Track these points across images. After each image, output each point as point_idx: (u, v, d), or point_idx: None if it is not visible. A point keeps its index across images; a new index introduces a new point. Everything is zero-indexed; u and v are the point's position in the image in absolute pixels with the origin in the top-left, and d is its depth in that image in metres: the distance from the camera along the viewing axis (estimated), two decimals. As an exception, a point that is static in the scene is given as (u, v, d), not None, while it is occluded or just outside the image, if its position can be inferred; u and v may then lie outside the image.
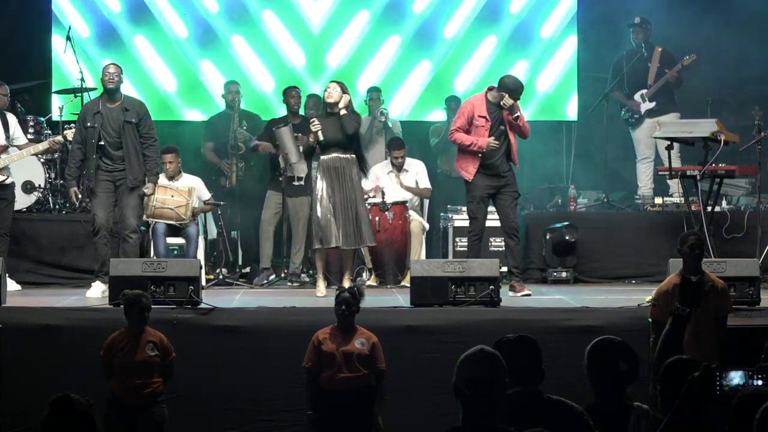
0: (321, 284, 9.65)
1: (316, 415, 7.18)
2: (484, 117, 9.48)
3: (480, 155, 9.47)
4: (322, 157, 9.68)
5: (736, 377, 4.24)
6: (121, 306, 7.29)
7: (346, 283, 9.34)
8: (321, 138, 9.58)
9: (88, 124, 9.55)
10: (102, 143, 9.49)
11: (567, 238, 10.84)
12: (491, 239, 10.57)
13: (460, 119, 9.63)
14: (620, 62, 12.03)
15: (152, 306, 8.09)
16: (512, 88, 9.49)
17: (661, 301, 7.21)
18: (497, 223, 9.93)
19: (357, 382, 7.17)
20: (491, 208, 9.78)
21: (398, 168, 11.20)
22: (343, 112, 9.62)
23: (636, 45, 11.98)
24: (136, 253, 9.58)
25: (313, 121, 9.60)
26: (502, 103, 9.43)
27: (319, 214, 9.52)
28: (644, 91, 11.86)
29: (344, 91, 9.73)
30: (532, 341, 4.84)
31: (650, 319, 7.38)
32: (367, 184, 11.22)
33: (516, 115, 9.43)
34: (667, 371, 4.63)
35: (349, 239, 9.57)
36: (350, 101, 9.76)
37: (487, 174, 9.51)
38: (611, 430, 4.61)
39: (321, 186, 9.56)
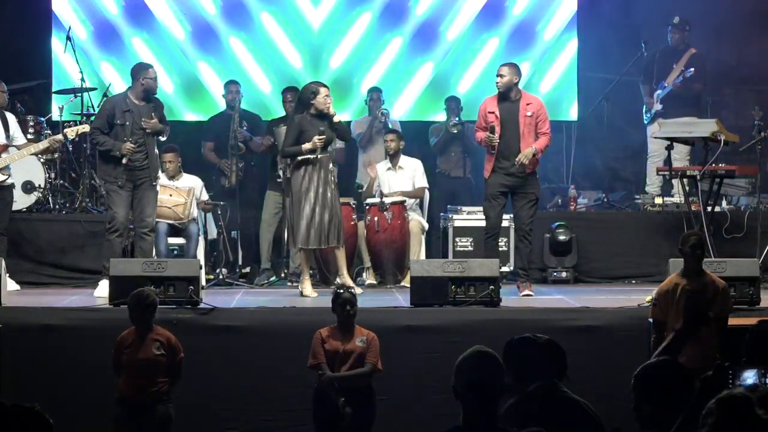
0: (308, 285, 9.58)
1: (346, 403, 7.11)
2: (493, 113, 9.49)
3: (494, 153, 9.47)
4: (309, 157, 9.57)
5: (749, 376, 4.21)
6: (122, 306, 7.28)
7: (347, 281, 9.35)
8: (320, 154, 9.51)
9: (117, 121, 9.52)
10: (132, 139, 9.50)
11: (561, 238, 10.85)
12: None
13: (478, 119, 9.72)
14: (652, 57, 11.95)
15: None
16: None
17: (662, 301, 7.22)
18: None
19: (357, 381, 7.17)
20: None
21: (392, 155, 11.14)
22: (336, 118, 9.62)
23: (671, 45, 11.90)
24: (151, 250, 9.59)
25: (322, 139, 9.47)
26: (517, 162, 9.42)
27: (309, 213, 9.45)
28: (659, 91, 11.84)
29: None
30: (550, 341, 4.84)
31: (651, 319, 7.38)
32: (363, 177, 11.24)
33: (534, 153, 9.44)
34: (644, 374, 4.40)
35: (333, 238, 9.52)
36: None
37: (501, 173, 9.50)
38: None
39: (309, 185, 9.49)
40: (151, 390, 6.99)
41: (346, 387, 7.11)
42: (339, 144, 10.70)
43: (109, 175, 9.56)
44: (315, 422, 7.28)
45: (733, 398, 3.48)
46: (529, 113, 9.48)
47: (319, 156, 9.50)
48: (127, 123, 9.50)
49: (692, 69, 11.48)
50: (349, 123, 11.54)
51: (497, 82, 9.52)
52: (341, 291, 7.35)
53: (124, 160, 9.42)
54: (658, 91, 11.79)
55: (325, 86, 9.70)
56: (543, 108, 9.64)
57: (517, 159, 9.37)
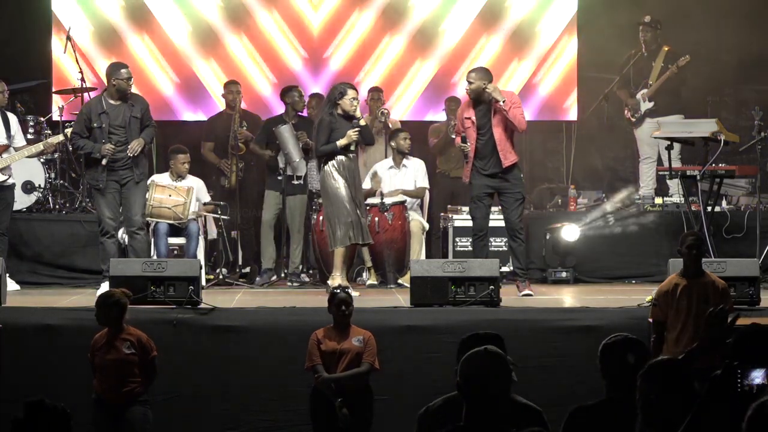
0: (339, 282, 9.49)
1: (342, 402, 7.10)
2: (469, 119, 9.55)
3: (467, 161, 9.57)
4: (340, 158, 9.55)
5: (758, 376, 4.19)
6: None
7: (344, 281, 9.36)
8: (353, 148, 9.59)
9: (95, 124, 9.53)
10: (111, 140, 9.50)
11: (568, 239, 10.87)
12: (491, 239, 10.53)
13: (456, 124, 9.82)
14: (627, 60, 11.97)
15: (145, 306, 8.13)
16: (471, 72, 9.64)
17: (662, 302, 7.21)
18: (497, 224, 9.94)
19: (354, 382, 7.15)
20: (494, 208, 9.82)
21: (402, 153, 11.17)
22: (363, 122, 9.67)
23: (643, 44, 11.89)
24: (145, 249, 9.59)
25: (357, 131, 9.52)
26: (487, 92, 9.42)
27: (350, 211, 9.47)
28: (645, 90, 11.82)
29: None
30: (497, 337, 4.81)
31: (651, 320, 7.37)
32: (366, 184, 11.23)
33: (500, 100, 9.38)
34: (649, 374, 4.53)
35: (367, 235, 9.64)
36: None
37: (482, 174, 9.53)
38: (622, 426, 4.58)
39: (342, 185, 9.51)
40: (123, 390, 6.93)
41: (343, 388, 7.09)
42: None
43: (93, 178, 9.63)
44: (312, 423, 7.28)
45: None
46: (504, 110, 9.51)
47: (350, 156, 9.57)
48: (104, 125, 9.51)
49: (687, 56, 11.49)
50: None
51: (466, 89, 9.56)
52: (337, 291, 7.35)
53: (103, 161, 9.44)
54: (643, 90, 11.78)
55: (353, 88, 9.77)
56: (514, 97, 9.67)
57: (488, 88, 9.40)
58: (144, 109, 9.70)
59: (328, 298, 7.35)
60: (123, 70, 9.62)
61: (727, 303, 7.27)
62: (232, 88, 11.68)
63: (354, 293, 8.76)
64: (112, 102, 9.57)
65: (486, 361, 4.08)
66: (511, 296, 9.25)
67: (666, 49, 11.79)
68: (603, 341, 4.87)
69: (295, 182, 10.81)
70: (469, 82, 9.52)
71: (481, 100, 9.51)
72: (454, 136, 11.75)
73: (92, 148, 9.50)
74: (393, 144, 11.27)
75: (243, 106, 11.63)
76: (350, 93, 9.63)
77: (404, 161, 11.24)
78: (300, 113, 11.24)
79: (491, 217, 9.80)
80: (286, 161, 10.70)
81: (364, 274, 10.88)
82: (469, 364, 4.09)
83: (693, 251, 7.23)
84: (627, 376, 4.75)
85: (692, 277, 7.22)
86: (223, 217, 10.85)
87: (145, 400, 7.02)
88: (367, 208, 10.80)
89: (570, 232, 10.90)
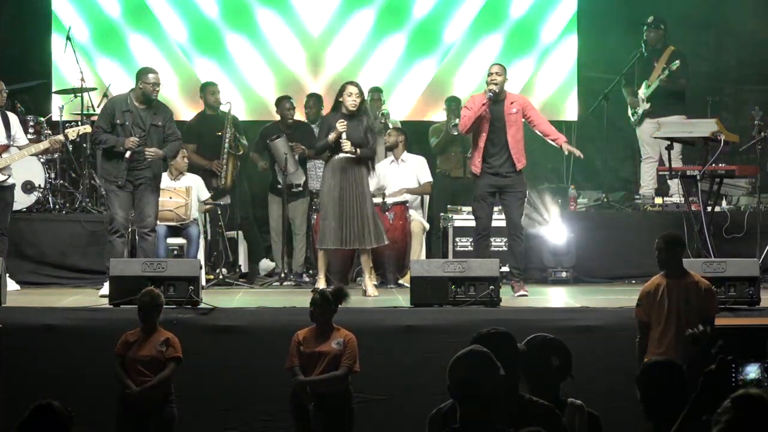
0: (322, 284, 9.57)
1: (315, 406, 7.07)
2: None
3: (483, 147, 9.46)
4: (335, 157, 9.55)
5: (752, 371, 4.19)
6: (122, 306, 7.29)
7: (369, 286, 9.42)
8: (344, 139, 9.43)
9: (117, 121, 9.48)
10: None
11: (553, 241, 10.88)
12: (491, 239, 10.52)
13: (468, 105, 9.64)
14: (632, 59, 11.95)
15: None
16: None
17: (645, 302, 7.22)
18: (496, 224, 9.93)
19: (331, 385, 7.09)
20: (496, 207, 9.82)
21: (391, 149, 11.18)
22: (346, 147, 9.51)
23: (647, 44, 11.88)
24: (153, 250, 9.57)
25: (343, 123, 9.42)
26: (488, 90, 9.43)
27: (330, 213, 9.45)
28: (644, 90, 11.81)
29: (361, 93, 9.68)
30: (508, 335, 4.81)
31: (638, 320, 7.35)
32: (371, 183, 11.24)
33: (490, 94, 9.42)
34: (646, 373, 4.60)
35: (357, 239, 9.50)
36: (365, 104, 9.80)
37: (488, 173, 9.51)
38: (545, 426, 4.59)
39: (330, 185, 9.49)
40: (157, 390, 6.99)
41: (319, 391, 7.03)
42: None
43: (110, 174, 9.54)
44: (294, 425, 7.26)
45: (749, 397, 3.48)
46: (514, 110, 9.50)
47: (345, 155, 9.46)
48: (127, 123, 9.48)
49: (678, 61, 11.47)
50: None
51: (494, 81, 9.46)
52: (313, 291, 7.30)
53: (127, 154, 9.39)
54: (643, 90, 11.77)
55: (352, 84, 9.69)
56: (527, 101, 9.78)
57: (567, 150, 9.67)
58: (167, 119, 9.61)
59: None
60: (151, 75, 9.53)
61: (711, 303, 7.25)
62: (214, 89, 11.53)
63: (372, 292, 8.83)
64: (136, 104, 9.53)
65: (473, 361, 4.08)
66: (507, 296, 9.25)
67: (673, 49, 11.76)
68: (526, 339, 4.89)
69: (295, 190, 10.82)
70: (498, 74, 9.45)
71: (498, 98, 9.49)
72: (456, 134, 11.77)
73: (116, 142, 9.44)
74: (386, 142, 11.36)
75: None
76: (347, 89, 9.59)
77: (403, 156, 11.24)
78: (291, 120, 11.19)
79: (492, 216, 9.80)
80: (281, 172, 10.70)
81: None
82: (456, 366, 4.09)
83: (660, 254, 7.20)
84: (550, 379, 4.77)
85: (674, 278, 7.19)
86: (221, 204, 10.83)
87: (173, 399, 7.03)
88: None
89: (554, 235, 10.89)
